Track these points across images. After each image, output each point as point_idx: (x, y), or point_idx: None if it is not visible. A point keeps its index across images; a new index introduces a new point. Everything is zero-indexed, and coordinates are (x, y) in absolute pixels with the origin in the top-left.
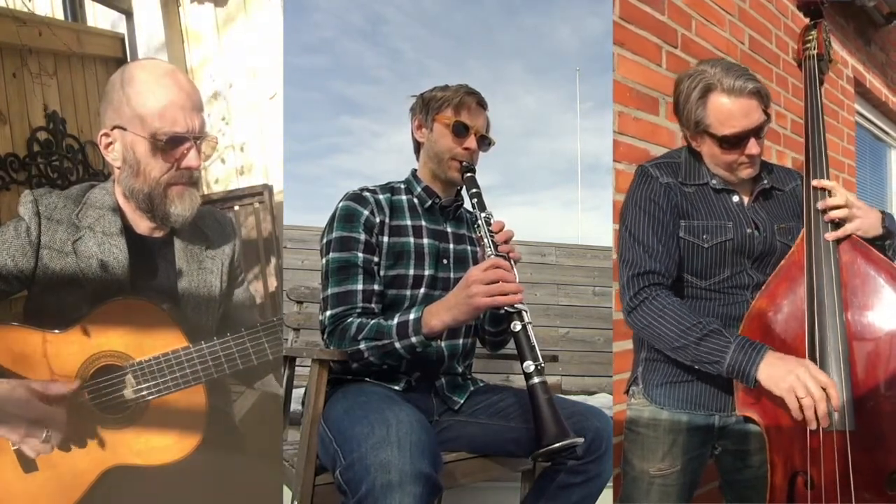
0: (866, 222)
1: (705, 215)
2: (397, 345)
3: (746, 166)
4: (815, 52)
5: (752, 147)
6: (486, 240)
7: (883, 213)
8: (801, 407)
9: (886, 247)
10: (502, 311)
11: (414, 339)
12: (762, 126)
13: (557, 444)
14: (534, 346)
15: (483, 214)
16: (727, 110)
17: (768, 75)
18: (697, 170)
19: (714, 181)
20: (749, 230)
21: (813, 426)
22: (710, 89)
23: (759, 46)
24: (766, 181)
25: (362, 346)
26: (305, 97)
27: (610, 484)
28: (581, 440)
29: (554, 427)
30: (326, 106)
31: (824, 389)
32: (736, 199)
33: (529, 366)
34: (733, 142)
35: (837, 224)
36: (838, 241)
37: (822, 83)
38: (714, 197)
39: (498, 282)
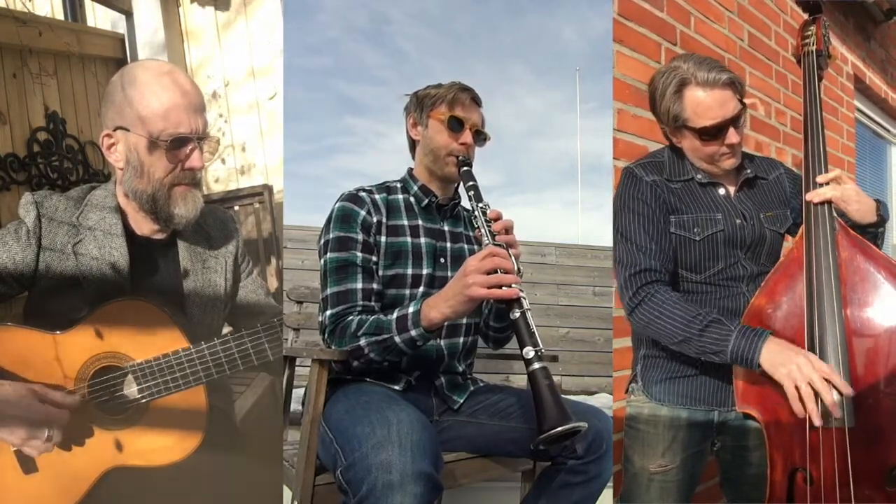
0: (863, 208)
1: (694, 209)
2: (397, 339)
3: (728, 156)
4: (814, 48)
5: (732, 136)
6: (483, 229)
7: (878, 201)
8: (800, 398)
9: (878, 234)
10: (502, 306)
11: (414, 333)
12: (739, 115)
13: (560, 428)
14: (533, 331)
15: (480, 205)
16: (703, 102)
17: (768, 72)
18: (681, 166)
19: (699, 176)
20: (738, 220)
21: (817, 421)
22: (684, 84)
23: (758, 43)
24: (748, 170)
25: (362, 342)
26: (309, 97)
27: (610, 483)
28: (585, 424)
29: (556, 411)
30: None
31: (828, 381)
32: (722, 191)
33: (529, 351)
34: (712, 133)
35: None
36: (834, 216)
37: (820, 79)
38: (700, 191)
39: (496, 271)
